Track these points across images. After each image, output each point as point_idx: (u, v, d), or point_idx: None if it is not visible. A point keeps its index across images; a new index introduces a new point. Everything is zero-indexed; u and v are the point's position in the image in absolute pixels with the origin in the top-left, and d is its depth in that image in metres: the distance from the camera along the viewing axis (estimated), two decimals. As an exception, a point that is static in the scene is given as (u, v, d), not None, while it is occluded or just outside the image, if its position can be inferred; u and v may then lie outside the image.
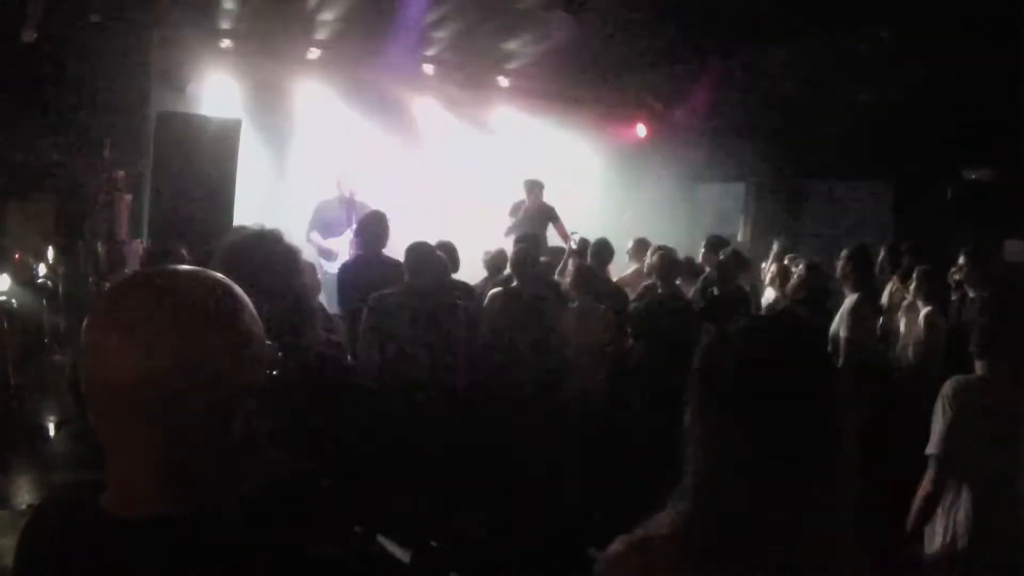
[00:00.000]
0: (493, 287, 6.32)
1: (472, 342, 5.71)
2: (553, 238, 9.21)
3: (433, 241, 6.45)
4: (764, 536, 1.32)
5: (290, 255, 2.26)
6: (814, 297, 6.89)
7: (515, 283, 6.08)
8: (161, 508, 1.09)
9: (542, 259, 7.18)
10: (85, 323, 1.11)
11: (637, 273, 7.79)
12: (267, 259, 2.10)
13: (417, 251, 5.43)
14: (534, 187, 9.38)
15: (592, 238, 7.75)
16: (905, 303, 6.44)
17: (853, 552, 1.40)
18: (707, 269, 7.67)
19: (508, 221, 9.33)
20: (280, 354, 1.25)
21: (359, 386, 4.94)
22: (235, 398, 1.12)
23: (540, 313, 5.90)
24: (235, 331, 1.13)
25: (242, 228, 2.41)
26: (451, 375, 5.40)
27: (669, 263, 6.68)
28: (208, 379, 1.09)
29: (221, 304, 1.14)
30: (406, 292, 5.34)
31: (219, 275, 1.17)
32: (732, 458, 1.35)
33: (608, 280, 7.06)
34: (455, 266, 6.43)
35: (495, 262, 7.26)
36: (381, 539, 5.22)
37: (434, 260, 5.51)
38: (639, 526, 1.46)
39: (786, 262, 7.76)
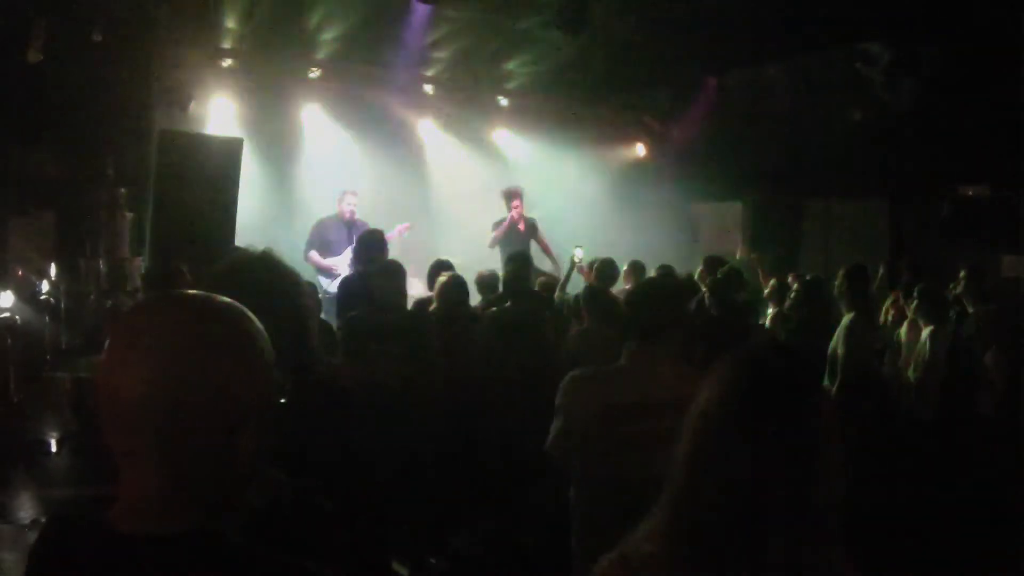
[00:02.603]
0: (486, 307, 6.31)
1: (468, 360, 5.72)
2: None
3: (432, 260, 6.49)
4: (752, 553, 1.34)
5: (291, 276, 2.27)
6: (813, 314, 6.94)
7: (508, 303, 6.06)
8: (169, 524, 1.13)
9: (539, 279, 7.19)
10: (106, 342, 1.15)
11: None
12: (270, 280, 2.12)
13: (383, 269, 5.48)
14: (514, 196, 9.24)
15: (591, 257, 7.77)
16: (906, 321, 6.47)
17: (844, 570, 1.43)
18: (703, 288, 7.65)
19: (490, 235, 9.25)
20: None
21: (351, 407, 4.93)
22: (245, 418, 1.16)
23: (536, 334, 5.90)
24: (249, 354, 1.18)
25: (241, 249, 2.42)
26: (428, 389, 5.42)
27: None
28: (221, 399, 1.13)
29: (236, 327, 1.19)
30: (374, 310, 5.40)
31: (232, 300, 1.21)
32: (725, 479, 1.37)
33: (615, 301, 7.06)
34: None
35: (486, 282, 7.21)
36: (380, 557, 5.23)
37: (397, 276, 5.55)
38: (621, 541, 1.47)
39: (790, 280, 7.77)
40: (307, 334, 2.08)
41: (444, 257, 6.66)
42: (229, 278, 2.10)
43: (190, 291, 1.25)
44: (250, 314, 1.21)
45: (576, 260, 7.81)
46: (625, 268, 8.14)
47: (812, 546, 1.35)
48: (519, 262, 6.54)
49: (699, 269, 8.04)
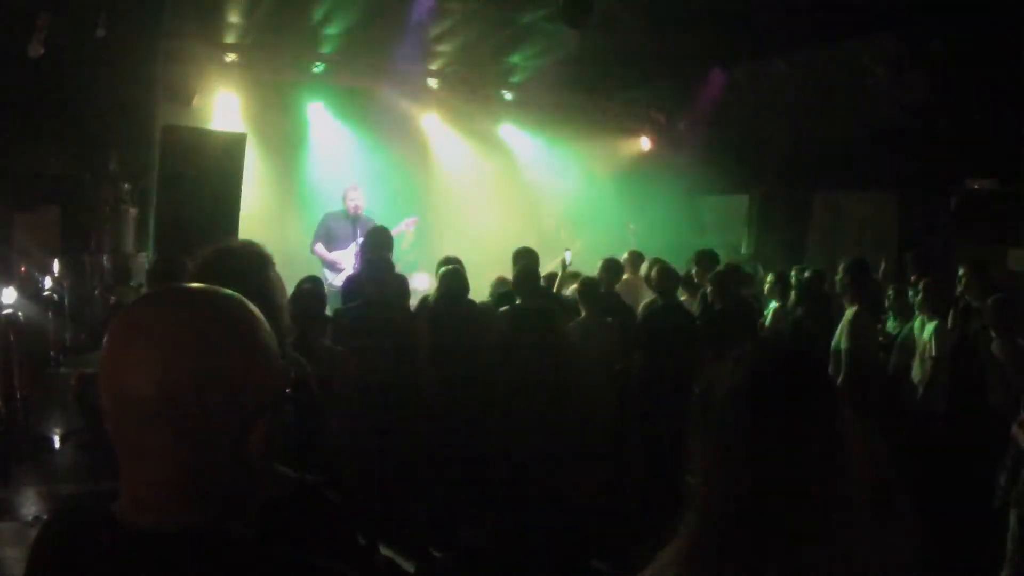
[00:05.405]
0: (496, 303, 6.33)
1: (479, 355, 5.76)
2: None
3: (440, 255, 6.50)
4: (765, 565, 1.32)
5: (260, 271, 2.22)
6: (812, 309, 6.92)
7: (519, 300, 6.07)
8: (175, 519, 1.10)
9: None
10: (105, 337, 1.12)
11: (625, 283, 7.79)
12: (244, 275, 2.07)
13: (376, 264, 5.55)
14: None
15: (596, 252, 7.78)
16: (916, 315, 6.42)
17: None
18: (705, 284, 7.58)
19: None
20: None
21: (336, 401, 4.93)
22: (252, 412, 1.13)
23: (550, 328, 5.91)
24: (253, 346, 1.15)
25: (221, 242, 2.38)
26: (414, 379, 5.47)
27: (669, 276, 6.70)
28: (226, 393, 1.10)
29: (239, 319, 1.16)
30: (365, 304, 5.43)
31: (235, 293, 1.19)
32: (733, 488, 1.36)
33: (616, 295, 7.07)
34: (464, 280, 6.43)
35: (496, 286, 7.21)
36: (385, 550, 5.23)
37: (392, 271, 5.61)
38: (647, 562, 1.44)
39: (792, 273, 7.74)
40: (278, 327, 2.04)
41: (449, 253, 6.65)
42: (209, 272, 2.07)
43: (192, 284, 1.23)
44: (251, 305, 1.19)
45: (566, 263, 7.78)
46: (624, 257, 8.14)
47: (838, 542, 1.33)
48: (528, 258, 6.54)
49: (694, 268, 7.87)
